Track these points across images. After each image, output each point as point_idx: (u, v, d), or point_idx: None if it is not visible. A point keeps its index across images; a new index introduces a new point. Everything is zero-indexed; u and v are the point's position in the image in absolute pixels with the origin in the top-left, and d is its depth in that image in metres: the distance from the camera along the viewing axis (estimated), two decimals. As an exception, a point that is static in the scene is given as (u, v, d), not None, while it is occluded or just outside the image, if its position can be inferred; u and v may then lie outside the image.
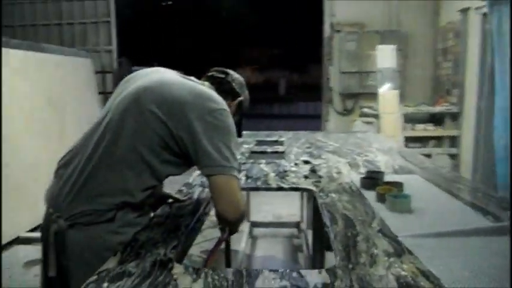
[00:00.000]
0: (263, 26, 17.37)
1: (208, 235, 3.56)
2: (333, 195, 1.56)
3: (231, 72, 1.43)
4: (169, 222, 1.29)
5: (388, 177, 1.74)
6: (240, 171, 1.21)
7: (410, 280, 0.88)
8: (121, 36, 5.85)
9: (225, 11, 15.02)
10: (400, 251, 1.04)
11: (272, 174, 1.93)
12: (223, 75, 1.40)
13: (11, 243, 3.28)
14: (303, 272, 0.93)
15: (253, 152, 2.63)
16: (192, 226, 1.27)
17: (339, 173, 1.94)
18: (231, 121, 1.22)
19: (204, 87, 1.27)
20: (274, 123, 11.14)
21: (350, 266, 0.96)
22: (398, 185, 1.55)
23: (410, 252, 1.02)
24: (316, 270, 0.94)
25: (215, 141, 1.14)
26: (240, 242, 3.19)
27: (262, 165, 2.13)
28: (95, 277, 0.91)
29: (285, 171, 1.98)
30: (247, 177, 1.89)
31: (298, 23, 15.33)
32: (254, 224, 3.74)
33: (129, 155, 1.15)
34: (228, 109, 1.24)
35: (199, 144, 1.14)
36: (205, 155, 1.14)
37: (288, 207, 4.22)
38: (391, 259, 0.99)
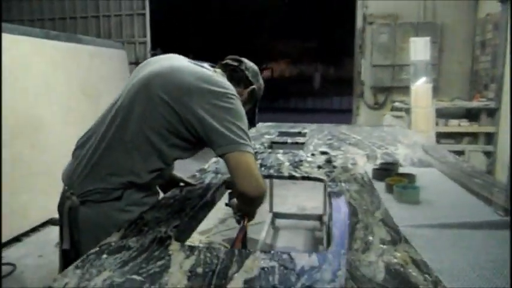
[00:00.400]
0: (296, 18, 17.20)
1: (231, 224, 3.64)
2: (343, 184, 1.55)
3: (245, 60, 1.45)
4: (176, 204, 1.34)
5: (404, 170, 1.71)
6: (254, 149, 1.22)
7: (400, 268, 0.87)
8: (154, 28, 5.99)
9: (258, 2, 14.98)
10: (397, 239, 1.03)
11: (287, 164, 1.94)
12: (236, 63, 1.42)
13: (45, 224, 3.49)
14: (293, 254, 0.94)
15: (273, 143, 2.64)
16: (197, 209, 1.31)
17: (354, 164, 1.92)
18: (240, 105, 1.23)
19: (213, 73, 1.30)
20: (306, 117, 11.05)
21: (342, 251, 0.96)
22: (411, 177, 1.53)
23: (407, 241, 1.01)
24: (307, 254, 0.95)
25: (225, 122, 1.15)
26: (261, 232, 3.22)
27: (279, 155, 2.14)
28: (96, 249, 0.97)
29: (301, 161, 1.99)
30: (262, 165, 1.91)
31: (332, 15, 15.05)
32: (276, 215, 3.76)
33: (136, 138, 1.20)
34: (236, 94, 1.26)
35: (210, 127, 1.15)
36: (217, 135, 1.15)
37: (313, 200, 4.20)
38: (385, 247, 0.98)
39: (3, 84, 3.21)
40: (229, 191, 1.65)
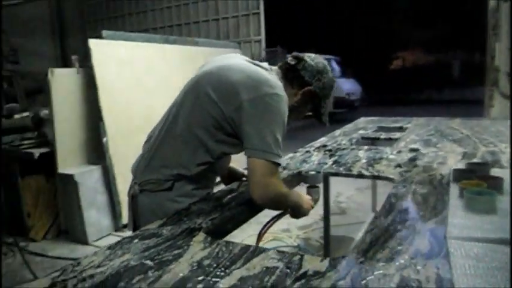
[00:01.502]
0: (429, 4, 15.61)
1: (334, 221, 3.53)
2: (413, 186, 1.39)
3: (307, 58, 1.38)
4: (228, 198, 1.38)
5: (497, 172, 1.44)
6: (281, 157, 1.21)
7: (416, 285, 0.75)
8: (269, 26, 6.17)
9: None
10: (434, 253, 0.88)
11: (363, 161, 1.81)
12: (294, 62, 1.39)
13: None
14: (305, 257, 0.90)
15: (363, 138, 2.49)
16: (243, 203, 1.32)
17: (441, 163, 1.69)
18: (282, 107, 1.22)
19: (264, 71, 1.30)
20: (435, 110, 10.00)
21: (361, 259, 0.87)
22: (497, 181, 1.28)
23: (445, 257, 0.86)
24: (320, 258, 0.89)
25: (259, 126, 1.18)
26: (359, 231, 3.08)
27: (360, 152, 2.02)
28: (133, 234, 1.08)
29: (381, 159, 1.84)
30: (336, 162, 1.83)
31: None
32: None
33: (185, 134, 1.28)
34: (283, 95, 1.24)
35: (245, 126, 1.19)
36: (247, 137, 1.19)
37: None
38: (415, 260, 0.86)
39: (133, 85, 3.73)
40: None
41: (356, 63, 14.76)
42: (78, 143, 3.56)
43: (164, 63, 4.14)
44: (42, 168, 3.56)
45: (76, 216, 3.39)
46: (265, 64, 1.38)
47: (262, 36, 6.19)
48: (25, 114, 4.22)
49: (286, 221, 2.75)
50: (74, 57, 3.55)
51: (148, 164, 1.35)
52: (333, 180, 2.57)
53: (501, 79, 4.80)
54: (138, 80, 3.81)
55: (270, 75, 1.29)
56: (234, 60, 1.35)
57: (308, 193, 1.51)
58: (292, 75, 1.37)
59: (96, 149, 3.60)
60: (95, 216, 3.44)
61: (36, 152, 3.39)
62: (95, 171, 3.49)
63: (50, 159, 3.44)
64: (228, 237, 1.15)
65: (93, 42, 3.50)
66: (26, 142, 3.60)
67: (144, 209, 1.33)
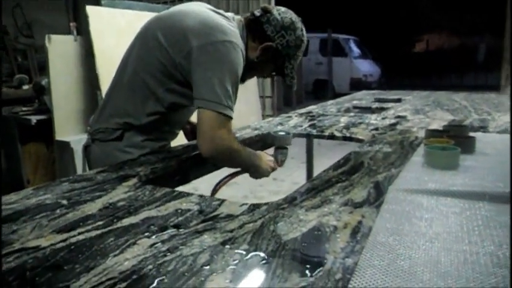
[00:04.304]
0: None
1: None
2: (380, 145, 1.29)
3: (274, 11, 1.26)
4: (181, 152, 1.31)
5: (476, 135, 1.32)
6: (232, 108, 1.13)
7: (327, 230, 0.67)
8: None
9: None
10: (368, 203, 0.80)
11: (341, 125, 1.71)
12: (259, 14, 1.28)
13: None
14: (226, 202, 0.83)
15: (355, 108, 2.38)
16: (190, 157, 1.26)
17: (423, 128, 1.58)
18: (235, 56, 1.13)
19: (221, 18, 1.21)
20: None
21: (284, 205, 0.80)
22: (469, 140, 1.17)
23: (378, 206, 0.77)
24: (241, 203, 0.82)
25: (208, 74, 1.10)
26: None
27: (343, 118, 1.91)
28: (69, 177, 1.02)
29: (360, 123, 1.73)
30: (314, 126, 1.73)
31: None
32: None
33: (132, 81, 1.22)
34: (237, 43, 1.15)
35: (193, 74, 1.12)
36: (196, 86, 1.12)
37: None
38: (343, 208, 0.77)
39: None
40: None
41: (377, 45, 14.30)
42: (75, 111, 3.56)
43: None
44: (43, 136, 3.58)
45: (71, 183, 3.41)
46: (229, 14, 1.29)
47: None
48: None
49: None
50: (72, 24, 3.51)
51: (100, 113, 1.30)
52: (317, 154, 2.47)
53: (520, 57, 4.53)
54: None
55: (227, 22, 1.20)
56: (192, 6, 1.27)
57: (275, 154, 1.43)
58: (254, 28, 1.27)
59: (93, 118, 3.60)
60: (90, 183, 3.45)
61: (34, 119, 3.41)
62: (91, 139, 3.49)
63: (49, 126, 3.46)
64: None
65: (90, 10, 3.45)
66: (24, 109, 3.63)
67: (96, 159, 1.29)
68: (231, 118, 1.13)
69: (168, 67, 1.17)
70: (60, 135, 3.45)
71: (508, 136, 1.33)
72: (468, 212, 0.75)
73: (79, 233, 0.69)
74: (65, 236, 0.68)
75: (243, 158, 1.23)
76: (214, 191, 1.29)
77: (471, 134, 1.31)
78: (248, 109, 4.88)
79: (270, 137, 1.51)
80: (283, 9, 1.31)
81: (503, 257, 0.57)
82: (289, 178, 3.92)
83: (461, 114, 1.88)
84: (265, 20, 1.26)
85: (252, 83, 4.97)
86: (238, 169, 1.33)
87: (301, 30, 1.30)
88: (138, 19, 3.86)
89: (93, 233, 0.69)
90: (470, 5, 16.48)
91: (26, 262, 0.59)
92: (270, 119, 1.95)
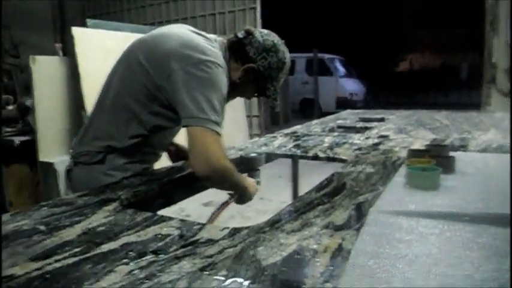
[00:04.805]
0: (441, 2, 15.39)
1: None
2: (362, 166, 1.30)
3: (257, 33, 1.29)
4: (164, 174, 1.31)
5: (455, 154, 1.34)
6: (220, 125, 1.12)
7: (308, 255, 0.67)
8: (265, 22, 6.06)
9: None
10: (349, 226, 0.80)
11: (325, 145, 1.73)
12: (242, 36, 1.31)
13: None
14: (207, 227, 0.82)
15: (339, 127, 2.40)
16: (174, 178, 1.25)
17: (405, 147, 1.60)
18: (218, 75, 1.14)
19: (203, 40, 1.22)
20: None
21: (266, 228, 0.80)
22: (448, 161, 1.19)
23: (358, 229, 0.78)
24: (222, 227, 0.81)
25: (194, 93, 1.10)
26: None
27: (327, 138, 1.93)
28: (49, 202, 1.01)
29: (343, 143, 1.75)
30: (299, 146, 1.75)
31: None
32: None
33: (115, 104, 1.22)
34: (219, 62, 1.17)
35: (178, 95, 1.12)
36: (182, 106, 1.11)
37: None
38: (324, 231, 0.77)
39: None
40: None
41: (362, 64, 14.58)
42: (60, 132, 3.52)
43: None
44: (27, 157, 3.53)
45: (55, 205, 3.35)
46: (211, 35, 1.31)
47: (259, 32, 6.08)
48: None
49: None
50: (57, 45, 3.51)
51: (82, 136, 1.29)
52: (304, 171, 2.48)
53: (499, 76, 4.67)
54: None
55: (208, 43, 1.22)
56: (174, 29, 1.28)
57: (248, 176, 1.42)
58: (237, 49, 1.29)
59: (78, 138, 3.56)
60: (74, 205, 3.39)
61: (17, 140, 3.36)
62: (76, 160, 3.45)
63: (33, 147, 3.41)
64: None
65: (76, 31, 3.46)
66: (8, 130, 3.58)
67: (79, 182, 1.27)
68: (220, 135, 1.12)
69: (151, 90, 1.18)
70: (44, 156, 3.40)
71: (487, 155, 1.35)
72: (448, 233, 0.76)
73: (55, 261, 0.67)
74: (40, 264, 0.66)
75: (236, 178, 1.22)
76: (211, 220, 1.27)
77: (452, 153, 1.33)
78: (235, 128, 4.90)
79: (242, 160, 1.51)
80: (266, 31, 1.33)
81: (480, 280, 0.58)
82: (277, 197, 3.91)
83: (442, 133, 1.92)
84: (248, 41, 1.28)
85: (239, 102, 5.00)
86: (228, 195, 1.32)
87: (283, 52, 1.32)
88: (125, 40, 3.87)
89: (70, 260, 0.67)
90: (453, 22, 16.98)
91: (-2, 293, 0.58)
92: (256, 139, 1.96)
